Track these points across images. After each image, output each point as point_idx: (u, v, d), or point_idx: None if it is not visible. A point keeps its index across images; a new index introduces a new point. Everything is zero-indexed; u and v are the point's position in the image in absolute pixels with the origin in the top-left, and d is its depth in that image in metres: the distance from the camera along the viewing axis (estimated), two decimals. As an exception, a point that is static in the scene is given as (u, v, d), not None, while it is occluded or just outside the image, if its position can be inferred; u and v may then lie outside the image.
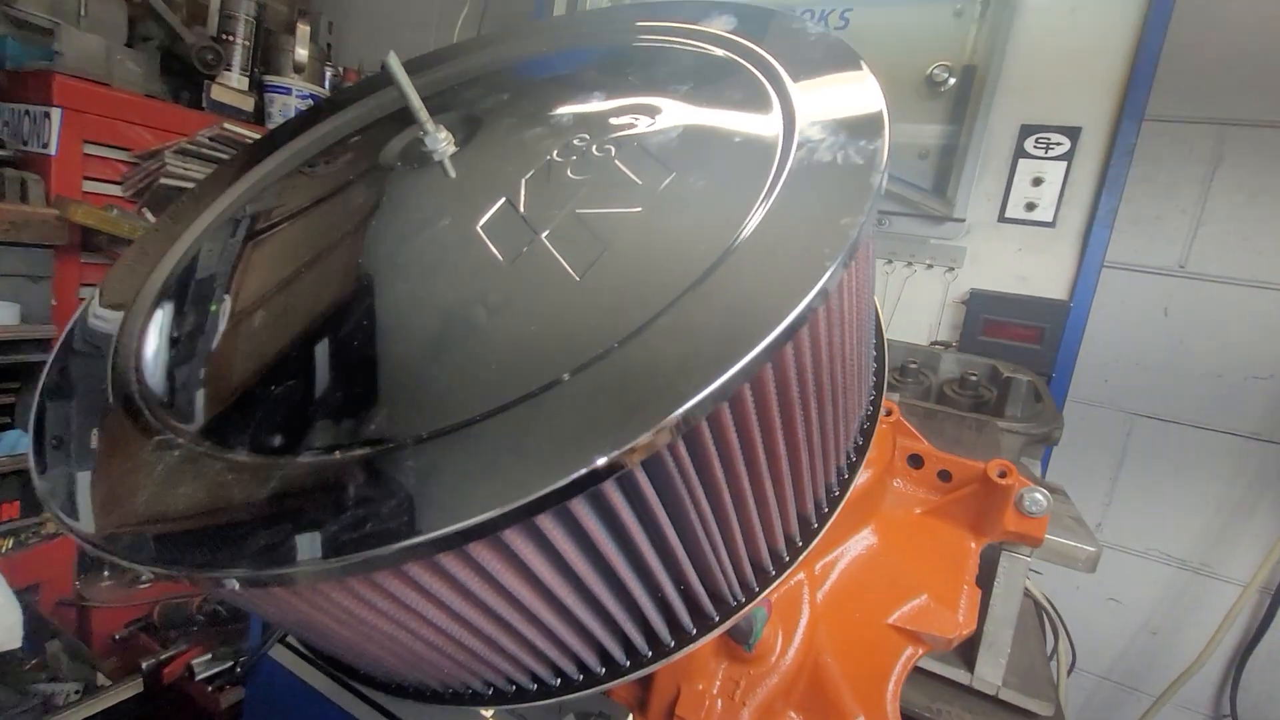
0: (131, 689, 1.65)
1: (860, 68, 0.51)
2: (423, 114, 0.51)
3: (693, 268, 0.39)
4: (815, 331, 0.39)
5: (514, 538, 0.34)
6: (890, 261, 1.85)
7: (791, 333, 0.34)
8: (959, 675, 0.95)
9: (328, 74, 2.75)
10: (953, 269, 1.79)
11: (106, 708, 1.59)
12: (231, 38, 2.43)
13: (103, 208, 1.91)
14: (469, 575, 0.35)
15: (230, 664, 1.85)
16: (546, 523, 0.34)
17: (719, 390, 0.32)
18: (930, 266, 1.81)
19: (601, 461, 0.30)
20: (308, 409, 0.40)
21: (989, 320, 1.69)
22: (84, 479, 0.43)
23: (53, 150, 1.91)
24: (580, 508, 0.35)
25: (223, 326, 0.50)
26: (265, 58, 2.59)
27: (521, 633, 0.40)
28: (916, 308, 1.83)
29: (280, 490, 0.35)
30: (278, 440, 0.39)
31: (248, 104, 2.46)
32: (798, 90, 0.51)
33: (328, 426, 0.39)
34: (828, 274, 0.35)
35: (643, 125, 0.52)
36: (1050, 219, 1.69)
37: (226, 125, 2.01)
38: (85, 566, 2.10)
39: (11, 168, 1.87)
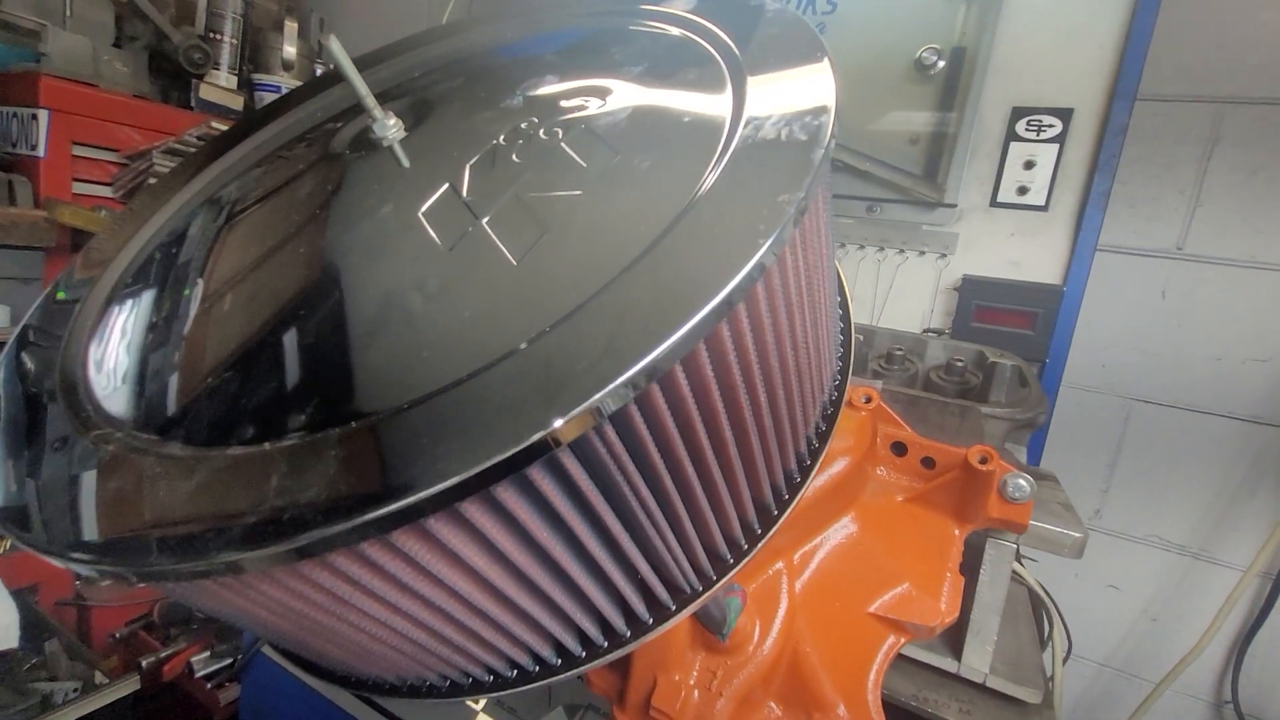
0: (129, 686, 1.67)
1: (815, 44, 0.50)
2: (369, 99, 0.50)
3: (630, 249, 0.38)
4: (755, 310, 0.38)
5: (437, 526, 0.33)
6: (882, 249, 1.83)
7: (723, 312, 0.33)
8: (946, 664, 0.94)
9: (318, 71, 2.74)
10: (945, 255, 1.78)
11: (105, 705, 1.60)
12: (219, 36, 2.42)
13: (91, 209, 1.91)
14: (397, 564, 0.34)
15: (229, 661, 1.87)
16: (473, 510, 0.33)
17: (644, 371, 0.31)
18: (922, 253, 1.80)
19: (518, 447, 0.30)
20: (241, 400, 0.40)
21: (981, 306, 1.67)
22: (24, 476, 0.42)
23: (41, 152, 1.91)
24: (508, 494, 0.34)
25: (163, 320, 0.50)
26: (254, 56, 2.58)
27: (463, 623, 0.40)
28: (909, 295, 1.81)
29: (204, 482, 0.35)
30: (210, 432, 0.39)
31: (237, 102, 2.45)
32: (751, 69, 0.50)
33: (260, 417, 0.38)
34: (761, 250, 0.34)
35: (593, 107, 0.51)
36: (1043, 202, 1.67)
37: (214, 124, 2.00)
38: (84, 566, 2.11)
39: (0, 170, 1.88)
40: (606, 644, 0.47)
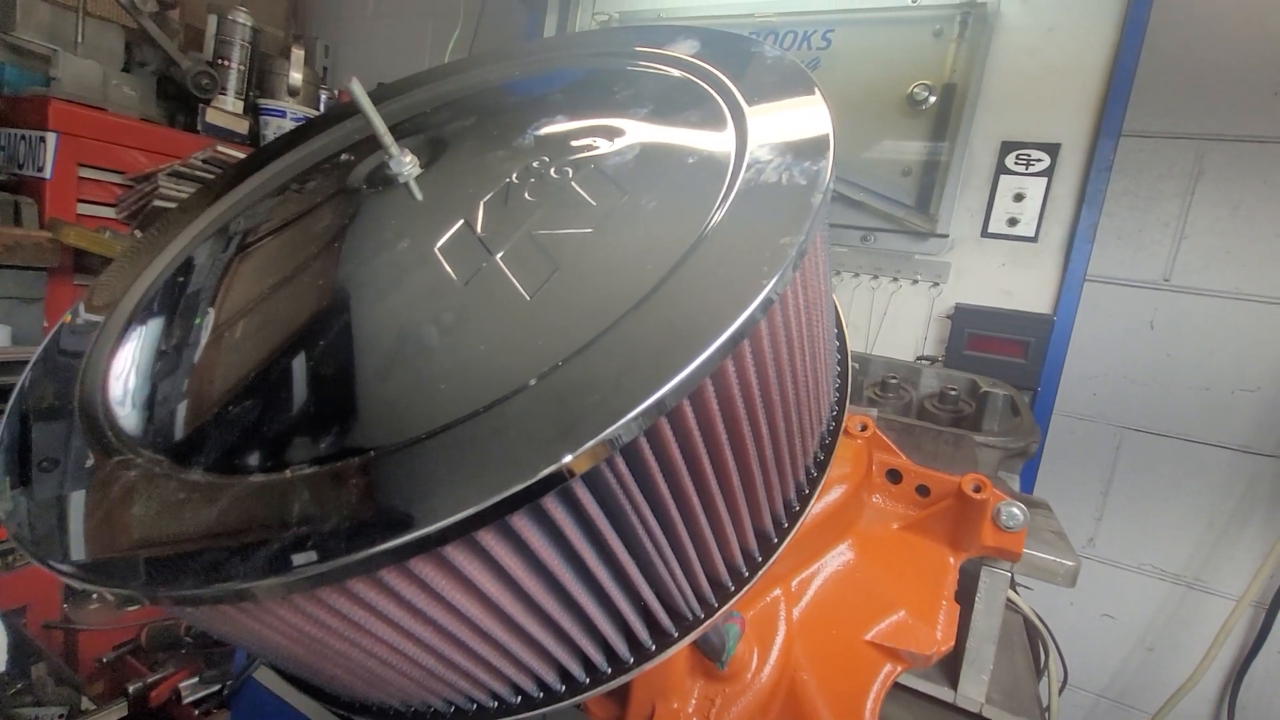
0: (115, 713, 1.64)
1: (813, 91, 0.53)
2: (387, 137, 0.53)
3: (638, 286, 0.40)
4: (759, 347, 0.40)
5: (455, 554, 0.34)
6: (876, 277, 1.87)
7: (730, 348, 0.35)
8: (943, 693, 0.94)
9: (323, 97, 2.79)
10: (937, 284, 1.81)
11: (90, 732, 1.57)
12: (227, 62, 2.47)
13: (96, 230, 1.93)
14: (413, 591, 0.35)
15: (218, 687, 1.83)
16: (489, 539, 0.35)
17: (654, 405, 0.33)
18: (915, 282, 1.83)
19: (538, 477, 0.31)
20: (262, 429, 0.41)
21: (974, 335, 1.70)
22: (45, 498, 0.43)
23: (47, 174, 1.93)
24: (522, 523, 0.35)
25: (187, 347, 0.51)
26: (260, 81, 2.63)
27: (473, 649, 0.41)
28: (902, 323, 1.85)
29: (228, 509, 0.36)
30: (232, 460, 0.40)
31: (242, 127, 2.49)
32: (752, 113, 0.52)
33: (281, 446, 0.39)
34: (764, 291, 0.36)
35: (602, 147, 0.53)
36: (1033, 234, 1.71)
37: (219, 147, 2.03)
38: (73, 589, 2.08)
39: (6, 191, 1.89)
40: (610, 670, 0.48)
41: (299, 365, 0.44)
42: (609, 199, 0.47)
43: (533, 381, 0.36)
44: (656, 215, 0.45)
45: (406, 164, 0.54)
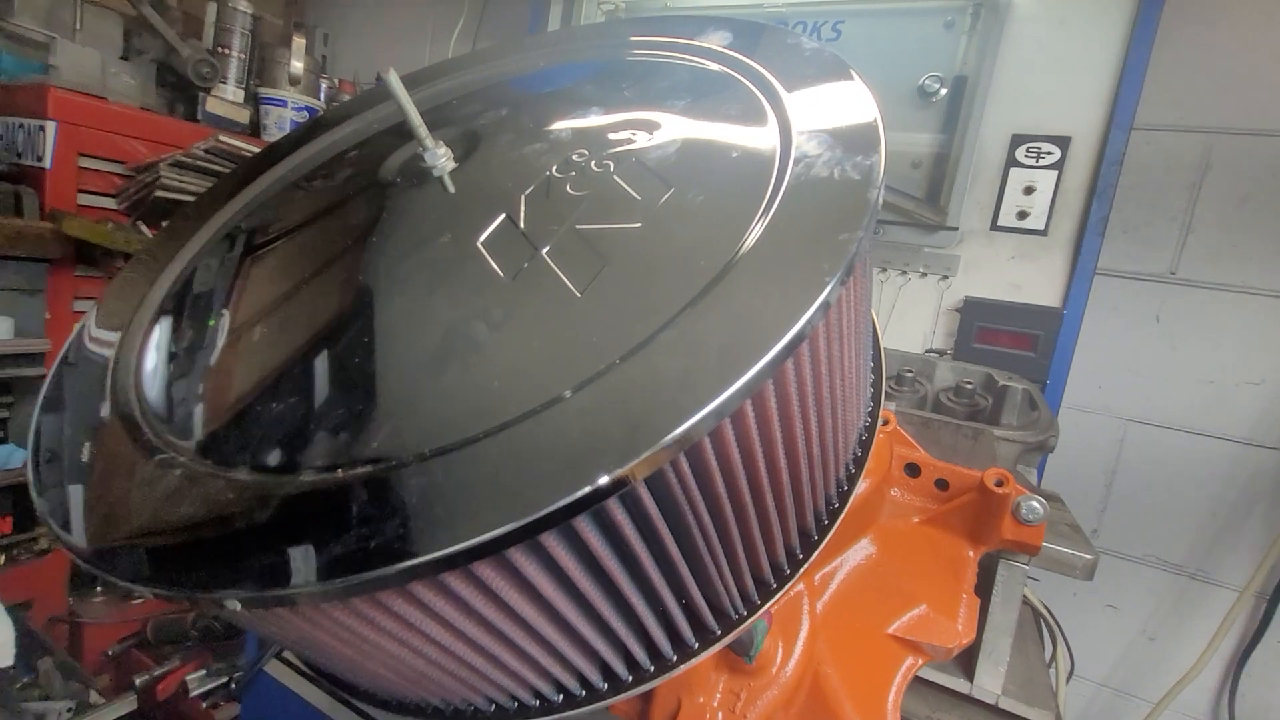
0: (125, 706, 1.63)
1: (855, 82, 0.52)
2: (422, 130, 0.52)
3: (693, 282, 0.39)
4: (815, 346, 0.39)
5: (518, 556, 0.34)
6: (884, 270, 1.86)
7: (793, 347, 0.35)
8: (959, 684, 0.95)
9: (323, 86, 2.76)
10: (946, 277, 1.81)
11: (99, 726, 1.57)
12: (227, 50, 2.43)
13: (97, 221, 1.91)
14: (473, 594, 0.35)
15: (225, 680, 1.83)
16: (550, 541, 0.34)
17: (722, 406, 0.32)
18: (924, 275, 1.83)
19: (605, 480, 0.31)
20: (309, 426, 0.40)
21: (983, 328, 1.70)
22: (84, 498, 0.43)
23: (47, 163, 1.90)
24: (584, 525, 0.35)
25: (222, 343, 0.50)
26: (260, 70, 2.59)
27: (524, 650, 0.40)
28: (911, 316, 1.84)
29: (282, 509, 0.35)
30: (279, 459, 0.39)
31: (243, 116, 2.46)
32: (793, 106, 0.51)
33: (329, 444, 0.39)
34: (827, 289, 0.35)
35: (641, 140, 0.52)
36: (1042, 227, 1.71)
37: (221, 137, 2.00)
38: (78, 583, 2.07)
39: (6, 181, 1.86)
40: (653, 669, 0.48)
41: (345, 361, 0.43)
42: (654, 193, 0.47)
43: (590, 381, 0.36)
44: (705, 210, 0.44)
45: (441, 156, 0.53)
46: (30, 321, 1.88)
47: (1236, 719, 1.84)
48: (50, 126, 1.90)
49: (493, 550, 0.31)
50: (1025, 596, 1.23)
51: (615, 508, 0.35)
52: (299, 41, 2.57)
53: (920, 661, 0.80)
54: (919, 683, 0.96)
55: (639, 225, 0.44)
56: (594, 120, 0.56)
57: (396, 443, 0.37)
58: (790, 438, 0.41)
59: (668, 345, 0.36)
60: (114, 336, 0.57)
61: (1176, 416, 1.90)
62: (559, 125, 0.57)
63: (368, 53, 3.14)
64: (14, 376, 1.84)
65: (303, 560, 0.32)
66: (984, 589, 0.87)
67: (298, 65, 2.56)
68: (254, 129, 2.53)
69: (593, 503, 0.31)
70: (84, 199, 2.01)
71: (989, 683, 0.94)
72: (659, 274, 0.42)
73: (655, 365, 0.35)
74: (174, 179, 1.93)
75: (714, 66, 0.60)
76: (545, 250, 0.45)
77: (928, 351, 1.77)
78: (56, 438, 0.50)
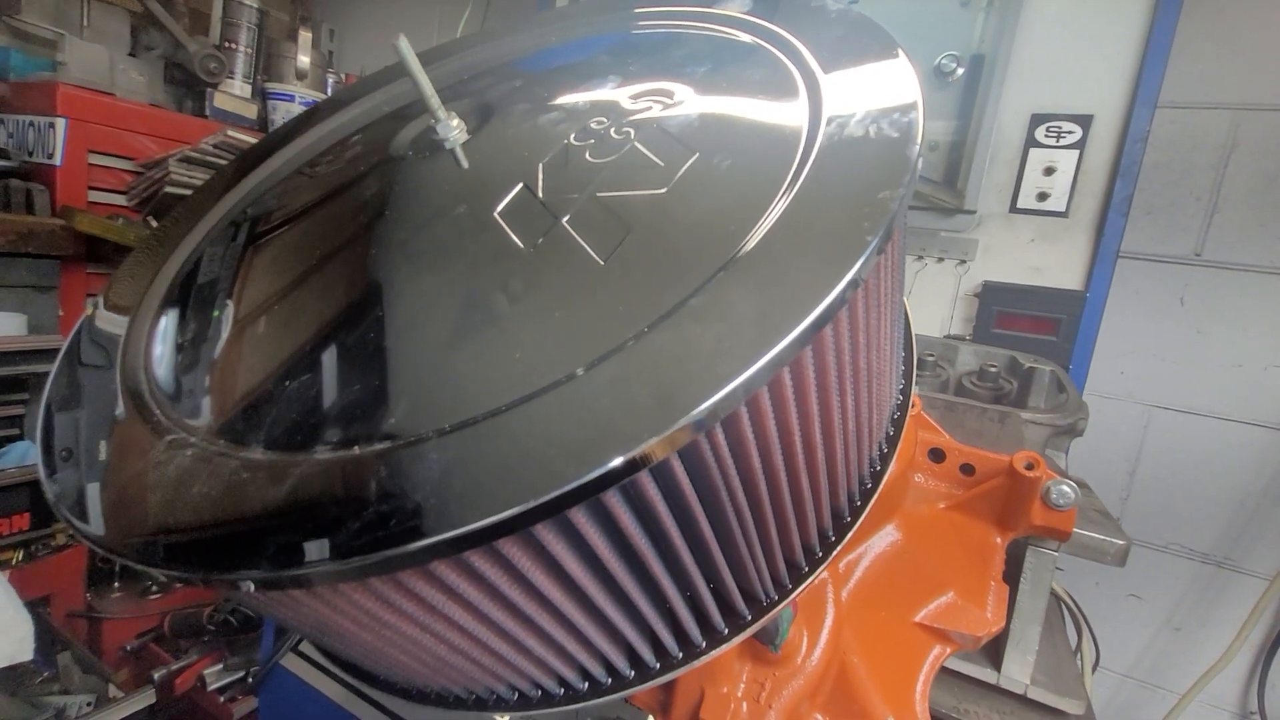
0: (143, 700, 1.64)
1: (887, 42, 0.49)
2: (434, 100, 0.50)
3: (723, 248, 0.37)
4: (854, 312, 0.37)
5: (545, 533, 0.32)
6: (901, 255, 1.83)
7: (832, 313, 0.32)
8: (986, 674, 0.92)
9: (330, 80, 2.75)
10: (964, 261, 1.77)
11: (120, 719, 1.58)
12: (234, 46, 2.43)
13: (108, 217, 1.91)
14: (496, 573, 0.33)
15: (242, 674, 1.84)
16: (579, 517, 0.32)
17: (757, 374, 0.30)
18: (941, 260, 1.79)
19: (637, 451, 0.29)
20: (324, 403, 0.39)
21: (1002, 312, 1.66)
22: (95, 482, 0.41)
23: (58, 160, 1.91)
24: (614, 501, 0.33)
25: (232, 324, 0.49)
26: (268, 65, 2.59)
27: (550, 634, 0.39)
28: (928, 301, 1.81)
29: (298, 488, 0.34)
30: (294, 436, 0.37)
31: (251, 111, 2.45)
32: (822, 67, 0.49)
33: (345, 421, 0.37)
34: (869, 249, 0.33)
35: (662, 107, 0.50)
36: (1063, 208, 1.67)
37: (230, 132, 2.00)
38: (96, 578, 2.09)
39: (17, 178, 1.87)
40: (681, 655, 0.46)
41: (362, 336, 0.41)
42: (678, 158, 0.44)
43: (618, 347, 0.34)
44: (732, 174, 0.42)
45: (454, 128, 0.51)
46: (43, 318, 1.89)
47: (1266, 710, 1.80)
48: (60, 123, 1.90)
49: (519, 526, 0.29)
50: (1051, 586, 1.21)
51: (647, 482, 0.33)
52: (305, 36, 2.56)
53: (948, 650, 0.78)
54: (945, 672, 0.93)
55: (663, 191, 0.42)
56: (611, 90, 0.54)
57: (415, 418, 0.35)
58: (827, 411, 0.39)
59: (699, 312, 0.34)
60: (122, 324, 0.56)
61: (1202, 402, 1.86)
62: (575, 95, 0.55)
63: (374, 47, 3.12)
64: (28, 373, 1.85)
65: (319, 540, 0.30)
66: (1011, 577, 0.85)
67: (304, 60, 2.56)
68: (262, 124, 2.53)
69: (624, 476, 0.29)
70: (94, 195, 2.01)
71: (1017, 672, 0.91)
72: (686, 240, 0.39)
73: (686, 333, 0.33)
74: (183, 174, 1.92)
75: (735, 34, 0.57)
76: (566, 219, 0.43)
77: (946, 338, 1.74)
78: (66, 426, 0.48)
